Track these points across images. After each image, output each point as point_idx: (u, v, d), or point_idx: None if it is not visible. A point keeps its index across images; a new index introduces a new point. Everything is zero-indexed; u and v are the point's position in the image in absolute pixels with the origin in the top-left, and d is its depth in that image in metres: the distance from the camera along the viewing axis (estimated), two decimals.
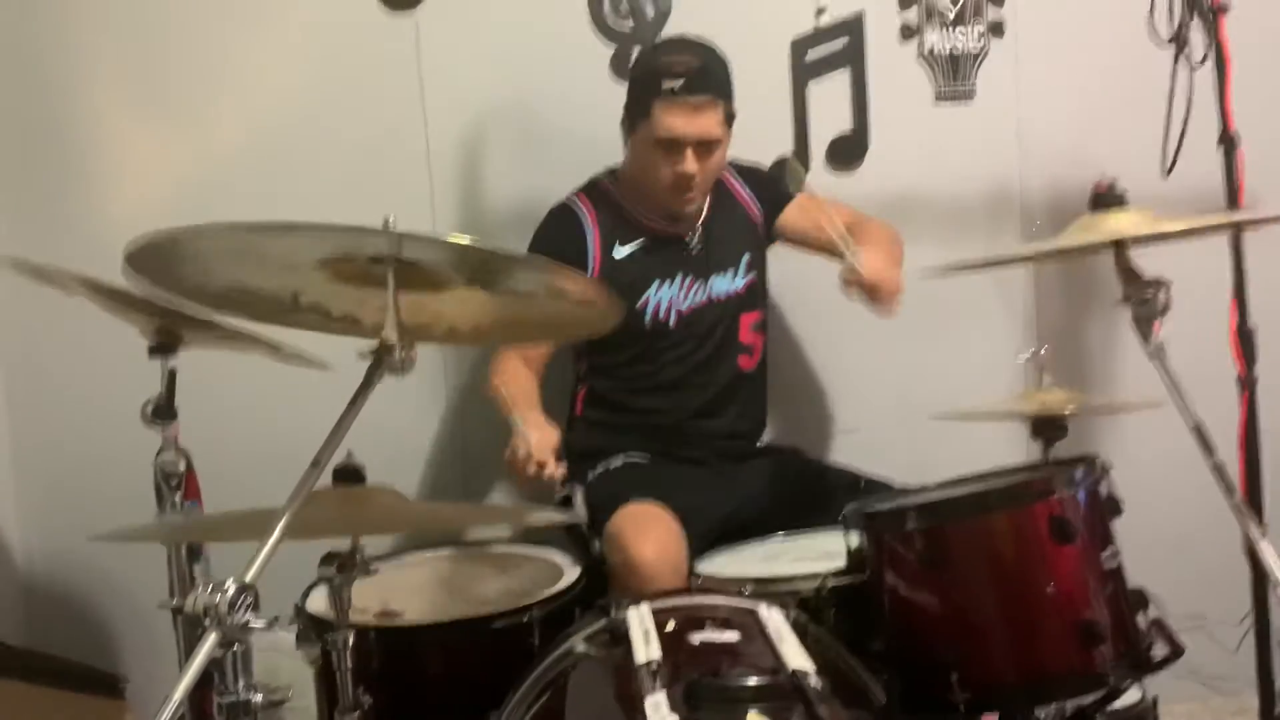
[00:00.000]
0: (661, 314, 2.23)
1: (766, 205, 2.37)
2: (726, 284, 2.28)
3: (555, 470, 1.88)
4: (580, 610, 1.80)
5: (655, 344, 2.24)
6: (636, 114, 2.15)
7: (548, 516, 2.09)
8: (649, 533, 1.94)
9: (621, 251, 2.23)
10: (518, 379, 2.16)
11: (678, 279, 2.24)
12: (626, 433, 2.25)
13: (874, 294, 2.11)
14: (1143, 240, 1.68)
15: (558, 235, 2.22)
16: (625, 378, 2.27)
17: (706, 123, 2.10)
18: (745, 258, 2.31)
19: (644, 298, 2.21)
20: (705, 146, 2.12)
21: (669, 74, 2.08)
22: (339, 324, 1.41)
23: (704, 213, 2.29)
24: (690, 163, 2.12)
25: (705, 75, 2.09)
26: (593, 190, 2.29)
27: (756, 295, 2.34)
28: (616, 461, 2.20)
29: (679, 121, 2.09)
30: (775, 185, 2.37)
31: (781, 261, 2.43)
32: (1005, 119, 2.62)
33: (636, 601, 1.54)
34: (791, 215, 2.36)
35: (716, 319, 2.27)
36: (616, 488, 2.10)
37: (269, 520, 1.17)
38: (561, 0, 2.45)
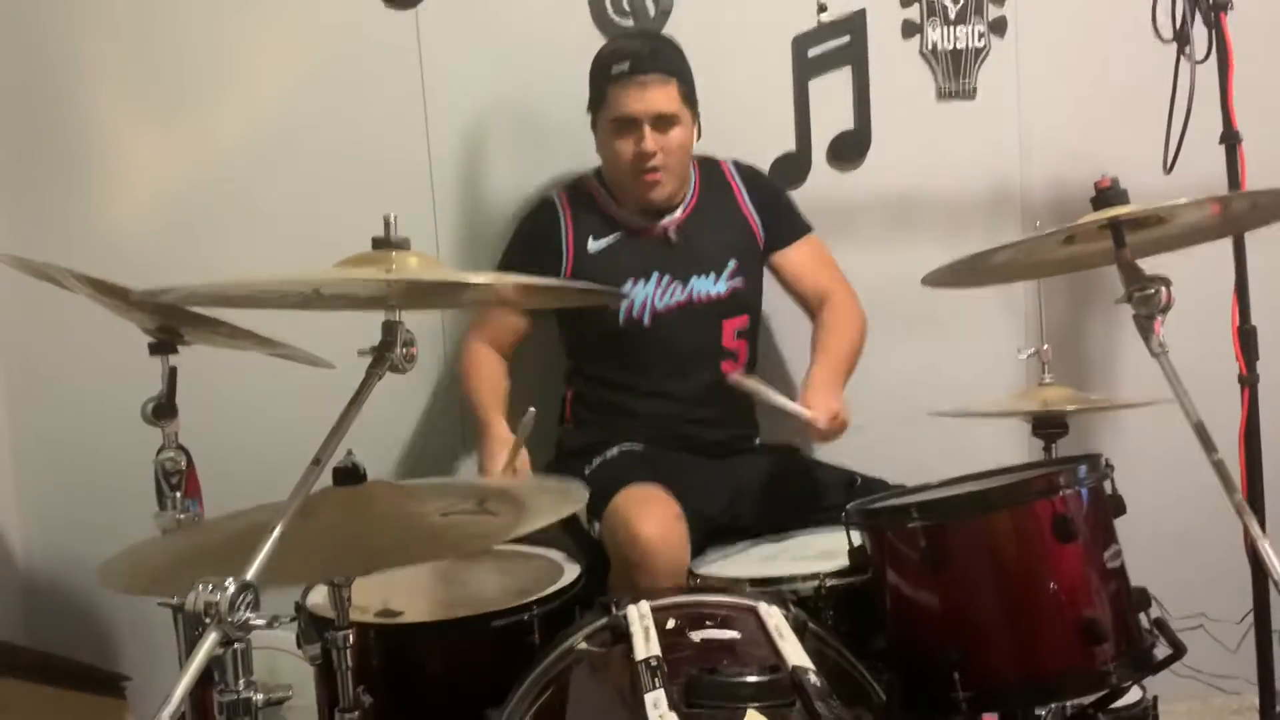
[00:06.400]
0: (635, 312, 2.23)
1: (769, 226, 2.36)
2: (707, 286, 2.26)
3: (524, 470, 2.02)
4: (580, 608, 1.80)
5: (632, 343, 2.24)
6: (595, 104, 2.21)
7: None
8: (650, 511, 1.94)
9: (595, 245, 2.26)
10: (485, 369, 2.27)
11: (654, 277, 2.24)
12: (618, 428, 2.24)
13: (826, 438, 2.14)
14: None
15: (533, 229, 2.31)
16: (609, 380, 2.27)
17: (658, 98, 2.14)
18: (731, 263, 2.28)
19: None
20: (662, 123, 2.15)
21: (616, 59, 2.15)
22: (367, 304, 1.40)
23: (686, 207, 2.29)
24: (649, 140, 2.15)
25: (653, 56, 2.15)
26: (575, 186, 2.33)
27: (741, 301, 2.31)
28: (613, 452, 2.20)
29: (630, 100, 2.14)
30: (780, 209, 2.38)
31: None
32: (1007, 117, 2.62)
33: (636, 599, 1.54)
34: (794, 259, 2.38)
35: (695, 320, 2.25)
36: (615, 473, 2.10)
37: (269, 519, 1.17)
38: None
